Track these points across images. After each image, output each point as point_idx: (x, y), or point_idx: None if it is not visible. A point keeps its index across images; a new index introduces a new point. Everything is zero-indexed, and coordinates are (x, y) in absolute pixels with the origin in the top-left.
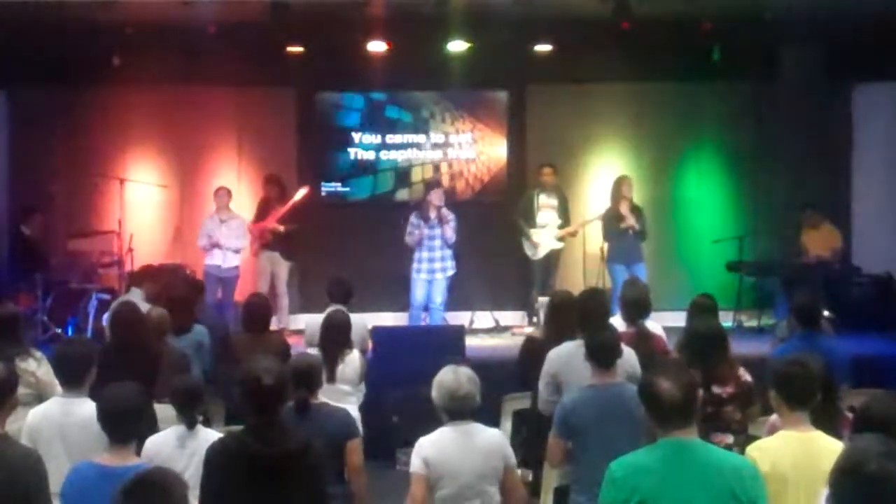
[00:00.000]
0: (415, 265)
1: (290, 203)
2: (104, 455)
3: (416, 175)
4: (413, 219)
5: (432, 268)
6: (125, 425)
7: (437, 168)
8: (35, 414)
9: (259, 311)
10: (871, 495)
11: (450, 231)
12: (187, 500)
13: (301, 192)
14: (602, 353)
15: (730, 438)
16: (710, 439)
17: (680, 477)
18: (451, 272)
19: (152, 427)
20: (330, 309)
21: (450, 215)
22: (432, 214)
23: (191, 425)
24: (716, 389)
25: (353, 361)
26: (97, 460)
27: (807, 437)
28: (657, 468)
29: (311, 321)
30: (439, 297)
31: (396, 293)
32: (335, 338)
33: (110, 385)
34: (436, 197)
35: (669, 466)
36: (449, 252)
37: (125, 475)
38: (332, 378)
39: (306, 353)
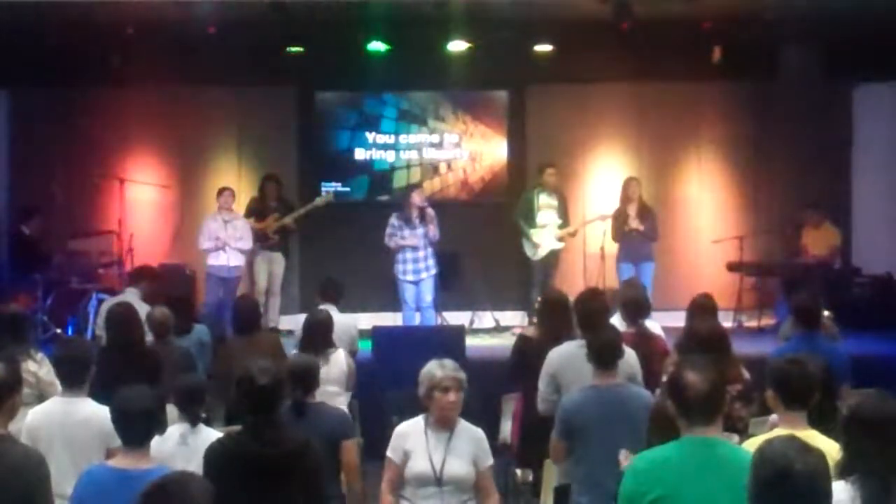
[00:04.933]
0: (399, 266)
1: (311, 206)
2: (118, 458)
3: (416, 175)
4: (393, 220)
5: (417, 268)
6: (140, 428)
7: (437, 168)
8: (35, 414)
9: (248, 312)
10: (803, 495)
11: (434, 230)
12: None
13: (324, 197)
14: (604, 354)
15: (735, 438)
16: None
17: (701, 474)
18: (434, 271)
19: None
20: (323, 308)
21: (432, 214)
22: (414, 215)
23: (193, 423)
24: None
25: (338, 361)
26: (111, 463)
27: (802, 436)
28: (679, 464)
29: (299, 321)
30: (429, 296)
31: (396, 293)
32: (315, 338)
33: (123, 388)
34: (417, 197)
35: (691, 463)
36: (431, 251)
37: (142, 478)
38: None
39: (303, 353)
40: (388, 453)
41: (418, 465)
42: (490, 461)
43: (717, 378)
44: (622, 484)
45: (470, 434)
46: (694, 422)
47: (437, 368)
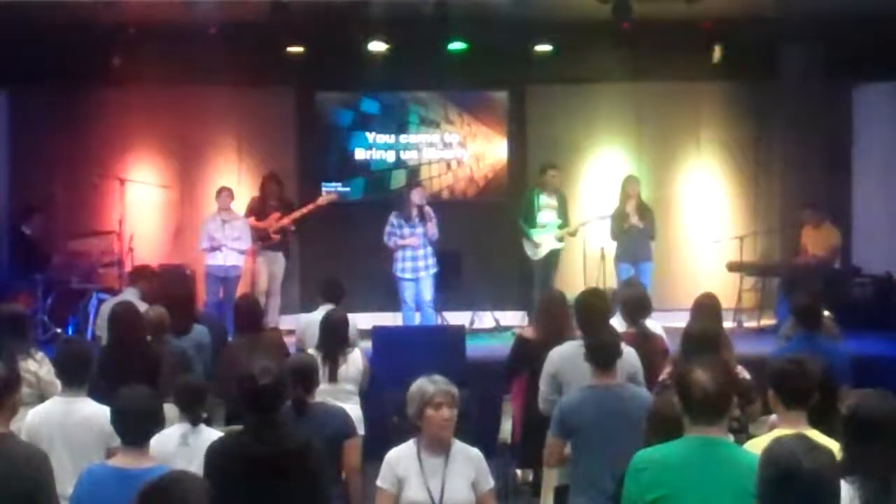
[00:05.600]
0: (398, 265)
1: (313, 205)
2: (118, 457)
3: (416, 175)
4: (393, 219)
5: (416, 266)
6: (139, 427)
7: (437, 168)
8: (35, 414)
9: (249, 312)
10: (811, 493)
11: (433, 228)
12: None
13: (325, 197)
14: (601, 354)
15: (730, 438)
16: None
17: (703, 474)
18: (433, 270)
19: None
20: (324, 308)
21: (431, 212)
22: (413, 213)
23: (194, 423)
24: None
25: (355, 360)
26: (111, 462)
27: None
28: (681, 464)
29: (300, 321)
30: (428, 295)
31: (396, 293)
32: (334, 337)
33: (123, 387)
34: (416, 196)
35: (693, 463)
36: (431, 250)
37: (142, 477)
38: (333, 378)
39: (304, 352)
40: (379, 483)
41: (413, 493)
42: (491, 484)
43: (725, 379)
44: (625, 484)
45: (467, 455)
46: (698, 421)
47: (427, 384)
